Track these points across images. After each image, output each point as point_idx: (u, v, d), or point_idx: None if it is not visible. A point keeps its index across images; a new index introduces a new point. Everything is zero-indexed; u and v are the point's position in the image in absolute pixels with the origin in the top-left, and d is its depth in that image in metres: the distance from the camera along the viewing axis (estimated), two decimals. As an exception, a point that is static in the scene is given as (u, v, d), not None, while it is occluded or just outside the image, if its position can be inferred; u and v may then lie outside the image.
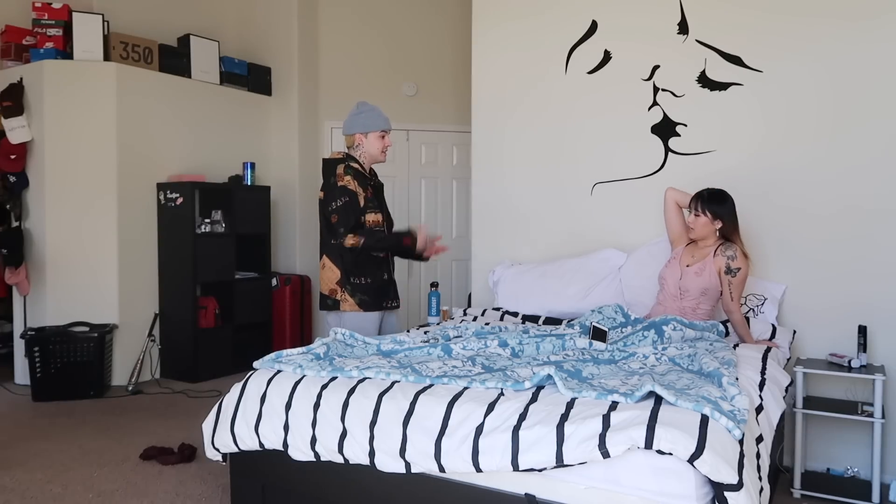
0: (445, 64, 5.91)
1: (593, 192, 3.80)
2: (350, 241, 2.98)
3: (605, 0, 3.74)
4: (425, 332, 2.91)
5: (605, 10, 3.74)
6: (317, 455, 2.23)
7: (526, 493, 1.94)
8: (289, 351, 2.56)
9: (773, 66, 3.31)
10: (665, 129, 3.59)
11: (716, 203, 2.96)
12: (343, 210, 2.98)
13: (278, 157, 5.79)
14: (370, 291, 3.07)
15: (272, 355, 2.52)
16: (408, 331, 3.06)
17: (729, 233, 2.97)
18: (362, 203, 3.04)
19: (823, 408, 2.97)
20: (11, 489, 2.95)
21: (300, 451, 2.26)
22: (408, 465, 2.07)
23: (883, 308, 3.08)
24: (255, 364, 2.50)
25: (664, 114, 3.59)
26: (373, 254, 3.08)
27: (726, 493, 1.68)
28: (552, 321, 3.48)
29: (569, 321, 3.35)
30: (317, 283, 5.80)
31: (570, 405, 1.96)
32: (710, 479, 1.71)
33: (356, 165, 3.08)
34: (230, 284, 5.08)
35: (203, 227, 4.93)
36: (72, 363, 4.39)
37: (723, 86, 3.44)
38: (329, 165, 3.11)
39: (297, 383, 2.32)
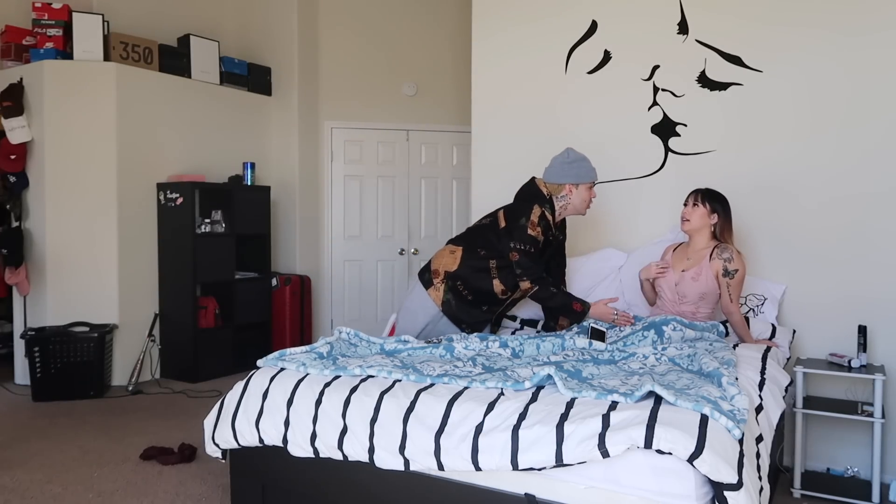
0: (445, 64, 5.92)
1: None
2: (526, 285, 2.96)
3: (605, 0, 3.75)
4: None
5: (605, 10, 3.74)
6: (316, 451, 2.23)
7: (526, 493, 1.94)
8: (292, 349, 2.57)
9: (772, 66, 3.31)
10: (665, 129, 3.60)
11: (716, 200, 2.98)
12: (527, 254, 2.93)
13: (278, 157, 5.79)
14: (456, 305, 3.02)
15: (276, 353, 2.53)
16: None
17: (722, 232, 2.98)
18: None
19: (823, 408, 2.97)
20: (11, 489, 2.95)
21: (299, 447, 2.26)
22: (407, 461, 2.07)
23: (883, 308, 3.08)
24: (259, 362, 2.51)
25: (664, 114, 3.60)
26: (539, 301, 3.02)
27: (726, 493, 1.68)
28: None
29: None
30: (317, 284, 5.81)
31: (569, 405, 1.96)
32: (709, 479, 1.71)
33: (550, 217, 3.01)
34: (230, 284, 5.08)
35: (203, 227, 4.94)
36: (72, 363, 4.38)
37: (723, 86, 3.44)
38: (530, 195, 3.04)
39: (300, 381, 2.32)
